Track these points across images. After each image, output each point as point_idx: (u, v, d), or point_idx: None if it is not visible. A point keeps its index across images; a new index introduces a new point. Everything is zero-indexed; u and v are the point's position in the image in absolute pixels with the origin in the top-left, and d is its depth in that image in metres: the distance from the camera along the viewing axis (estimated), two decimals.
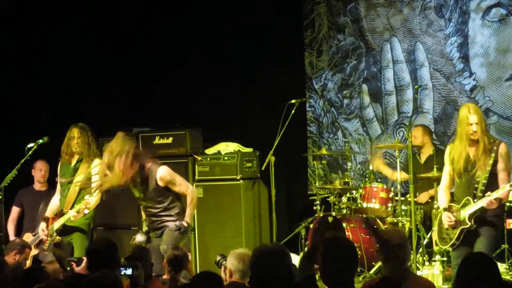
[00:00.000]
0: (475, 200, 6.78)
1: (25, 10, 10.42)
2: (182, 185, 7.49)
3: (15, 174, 8.29)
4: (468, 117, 6.87)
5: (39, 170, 9.14)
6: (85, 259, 6.45)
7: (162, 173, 7.35)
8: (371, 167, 9.14)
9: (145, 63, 10.76)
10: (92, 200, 7.73)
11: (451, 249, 7.01)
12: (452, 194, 7.12)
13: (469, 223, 6.78)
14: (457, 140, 6.98)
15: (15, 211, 9.25)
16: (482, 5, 9.58)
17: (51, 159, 8.59)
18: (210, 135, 9.78)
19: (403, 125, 9.98)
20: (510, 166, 6.88)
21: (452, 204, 6.97)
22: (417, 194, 8.67)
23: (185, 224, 7.43)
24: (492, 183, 6.77)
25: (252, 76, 10.47)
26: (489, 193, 6.68)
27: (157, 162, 7.50)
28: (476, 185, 6.83)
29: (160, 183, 7.37)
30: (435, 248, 8.34)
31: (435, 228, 8.38)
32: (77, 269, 6.38)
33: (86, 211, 7.70)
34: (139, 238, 7.60)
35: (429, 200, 8.74)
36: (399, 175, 8.66)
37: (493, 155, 6.81)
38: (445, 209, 6.96)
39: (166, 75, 10.70)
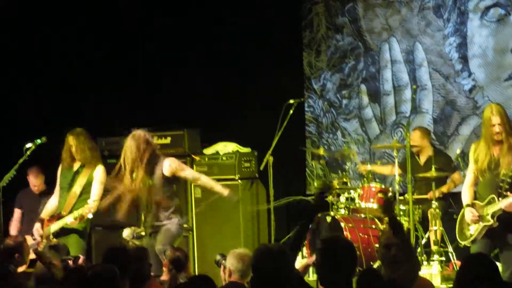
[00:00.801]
0: (499, 199, 6.81)
1: (25, 10, 10.43)
2: (190, 170, 7.83)
3: (14, 174, 8.30)
4: (491, 118, 6.92)
5: (33, 186, 9.15)
6: (81, 257, 6.46)
7: (169, 161, 7.59)
8: (369, 167, 9.13)
9: (145, 63, 10.77)
10: (94, 205, 7.77)
11: (470, 244, 7.03)
12: (475, 192, 7.16)
13: (492, 221, 6.82)
14: (482, 140, 7.03)
15: (17, 212, 9.27)
16: (480, 5, 9.60)
17: (50, 159, 8.58)
18: (209, 135, 9.80)
19: (401, 125, 9.98)
20: None
21: (476, 201, 7.01)
22: (415, 194, 8.66)
23: (226, 193, 7.67)
24: None
25: (251, 76, 10.46)
26: (509, 193, 6.73)
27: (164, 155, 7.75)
28: (501, 184, 6.85)
29: (167, 172, 7.52)
30: (433, 247, 8.37)
31: (433, 228, 8.43)
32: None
33: (90, 216, 7.71)
34: (125, 233, 7.63)
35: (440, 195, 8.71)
36: (396, 173, 8.67)
37: None
38: (468, 205, 7.01)
39: (166, 75, 10.71)
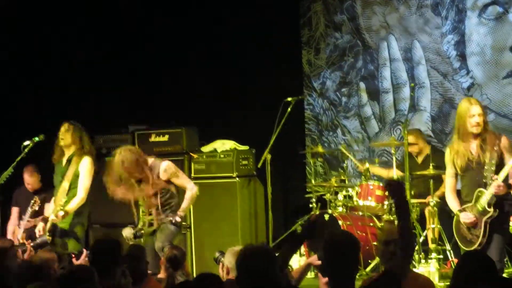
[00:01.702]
0: (486, 189, 6.55)
1: (25, 10, 10.45)
2: (185, 179, 7.66)
3: (11, 172, 8.31)
4: (470, 109, 6.60)
5: (27, 184, 9.07)
6: (85, 251, 6.49)
7: (166, 165, 7.54)
8: (367, 165, 9.14)
9: (145, 63, 10.80)
10: (73, 203, 7.74)
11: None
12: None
13: (491, 210, 6.54)
14: (455, 138, 6.76)
15: (14, 211, 9.17)
16: (478, 3, 9.57)
17: (49, 158, 8.59)
18: (207, 133, 9.81)
19: (400, 123, 9.97)
20: None
21: (465, 206, 6.75)
22: (412, 193, 8.62)
23: (178, 219, 7.46)
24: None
25: (249, 74, 10.48)
26: (495, 176, 6.46)
27: (158, 157, 7.68)
28: (484, 181, 6.59)
29: (163, 176, 7.46)
30: (431, 246, 8.35)
31: (431, 226, 8.40)
32: (77, 262, 6.42)
33: (61, 213, 7.66)
34: (126, 232, 7.61)
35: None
36: (395, 172, 8.67)
37: (496, 148, 6.57)
38: (460, 211, 6.75)
39: (165, 74, 10.74)
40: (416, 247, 8.29)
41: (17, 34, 10.47)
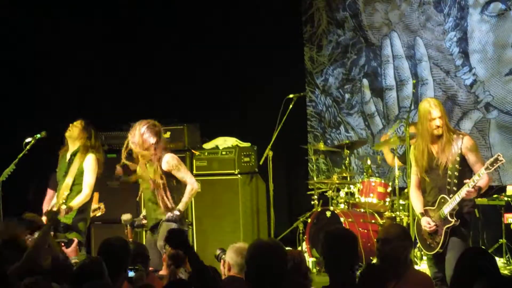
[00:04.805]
0: (450, 196, 6.48)
1: (25, 10, 10.45)
2: (186, 174, 7.55)
3: (13, 169, 8.28)
4: (431, 112, 6.59)
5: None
6: (75, 240, 6.46)
7: (169, 157, 7.46)
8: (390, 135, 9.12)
9: (146, 60, 10.80)
10: (78, 199, 7.75)
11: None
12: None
13: (452, 220, 6.47)
14: (418, 137, 6.72)
15: (49, 193, 8.76)
16: (480, 0, 9.58)
17: (49, 157, 8.57)
18: (209, 130, 9.81)
19: (403, 119, 9.95)
20: (480, 156, 6.62)
21: (427, 208, 6.66)
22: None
23: (177, 213, 7.42)
24: (464, 178, 6.45)
25: (252, 71, 10.48)
26: (466, 180, 6.38)
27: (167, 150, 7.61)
28: (449, 180, 6.52)
29: (165, 167, 7.41)
30: None
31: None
32: (67, 250, 6.40)
33: (63, 206, 7.58)
34: (125, 217, 7.59)
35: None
36: (396, 170, 8.67)
37: (458, 151, 6.51)
38: (422, 214, 6.66)
39: (166, 70, 10.73)
40: (418, 244, 8.29)
41: (17, 33, 10.46)
